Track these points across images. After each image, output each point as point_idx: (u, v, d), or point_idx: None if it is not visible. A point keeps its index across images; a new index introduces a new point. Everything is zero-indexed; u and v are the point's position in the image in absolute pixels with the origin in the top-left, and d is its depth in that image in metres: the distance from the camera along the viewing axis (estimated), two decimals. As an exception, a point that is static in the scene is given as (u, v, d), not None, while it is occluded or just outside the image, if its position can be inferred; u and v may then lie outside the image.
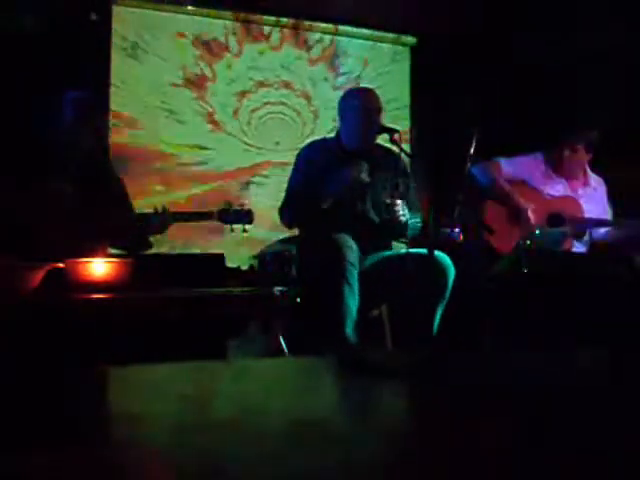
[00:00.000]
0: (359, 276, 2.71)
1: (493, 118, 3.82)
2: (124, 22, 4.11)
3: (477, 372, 1.25)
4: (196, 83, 4.32)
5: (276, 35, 4.54)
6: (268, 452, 0.68)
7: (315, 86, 4.63)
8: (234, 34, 4.42)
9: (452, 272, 2.74)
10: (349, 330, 2.58)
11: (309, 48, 4.63)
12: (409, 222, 2.87)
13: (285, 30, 4.56)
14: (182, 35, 4.28)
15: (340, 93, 3.34)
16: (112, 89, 4.04)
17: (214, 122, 4.36)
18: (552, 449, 0.68)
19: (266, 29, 4.51)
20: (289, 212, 2.99)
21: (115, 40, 4.07)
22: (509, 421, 0.83)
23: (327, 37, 4.67)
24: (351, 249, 2.64)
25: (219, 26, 4.39)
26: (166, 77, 4.23)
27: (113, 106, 4.02)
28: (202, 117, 4.33)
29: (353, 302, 2.60)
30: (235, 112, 4.42)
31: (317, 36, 4.65)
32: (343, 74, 4.71)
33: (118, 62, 4.09)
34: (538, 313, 2.89)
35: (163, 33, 4.22)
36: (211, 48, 4.36)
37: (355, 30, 4.72)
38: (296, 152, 3.19)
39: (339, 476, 0.61)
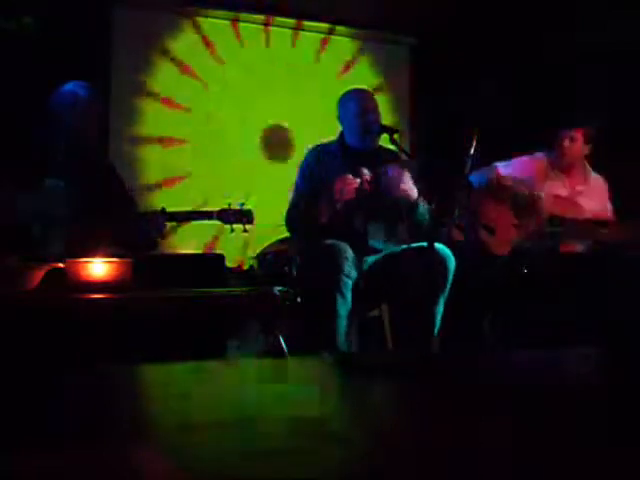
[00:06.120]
0: (360, 278, 2.71)
1: (493, 118, 3.82)
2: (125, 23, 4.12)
3: (477, 372, 1.25)
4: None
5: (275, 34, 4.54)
6: (268, 452, 0.68)
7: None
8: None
9: (452, 263, 2.69)
10: (341, 339, 2.62)
11: (309, 47, 4.64)
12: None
13: (283, 29, 4.56)
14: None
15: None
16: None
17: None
18: (552, 449, 0.68)
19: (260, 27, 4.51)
20: (291, 223, 2.99)
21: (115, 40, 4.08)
22: (509, 421, 0.83)
23: (328, 37, 4.67)
24: (347, 259, 2.63)
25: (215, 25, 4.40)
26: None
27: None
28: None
29: (345, 310, 2.63)
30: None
31: (318, 36, 4.65)
32: (345, 74, 4.71)
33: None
34: (538, 313, 2.89)
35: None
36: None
37: (355, 30, 4.72)
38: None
39: (339, 476, 0.62)
